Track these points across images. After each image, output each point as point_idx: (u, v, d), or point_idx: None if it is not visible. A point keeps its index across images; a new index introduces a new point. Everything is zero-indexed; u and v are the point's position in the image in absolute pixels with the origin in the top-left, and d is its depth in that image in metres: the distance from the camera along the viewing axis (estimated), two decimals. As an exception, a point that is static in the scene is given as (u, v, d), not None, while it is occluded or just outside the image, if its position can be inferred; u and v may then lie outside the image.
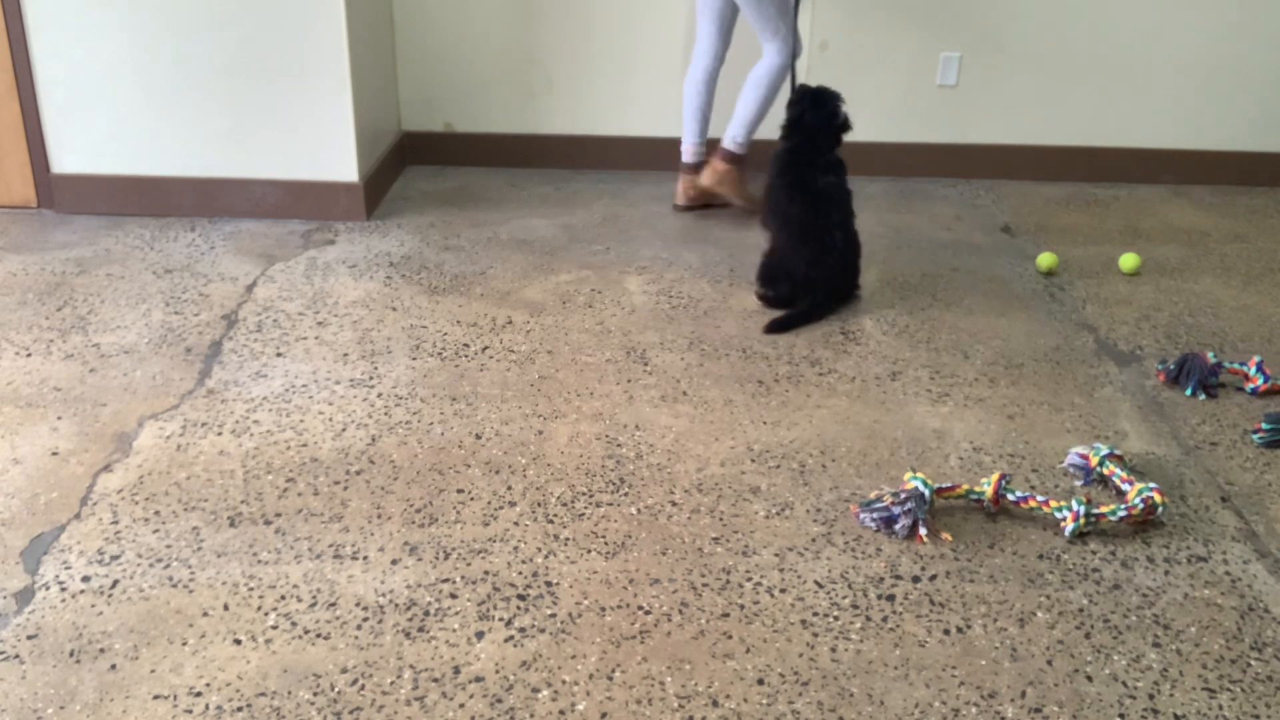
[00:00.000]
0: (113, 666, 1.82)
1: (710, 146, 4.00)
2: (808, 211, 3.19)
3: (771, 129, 3.45)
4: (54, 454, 2.42)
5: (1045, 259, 3.52)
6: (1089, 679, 1.84)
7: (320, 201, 3.83)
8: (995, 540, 2.19)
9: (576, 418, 2.60)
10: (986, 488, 2.25)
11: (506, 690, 1.79)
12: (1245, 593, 2.06)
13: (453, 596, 2.00)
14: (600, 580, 2.05)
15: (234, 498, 2.27)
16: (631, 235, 3.78)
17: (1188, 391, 2.78)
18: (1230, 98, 4.32)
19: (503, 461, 2.42)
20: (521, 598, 2.00)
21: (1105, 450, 2.38)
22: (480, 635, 1.91)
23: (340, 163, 3.79)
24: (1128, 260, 3.54)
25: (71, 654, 1.85)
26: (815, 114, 3.26)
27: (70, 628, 1.91)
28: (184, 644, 1.87)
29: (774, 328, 3.11)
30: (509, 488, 2.33)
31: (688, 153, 3.97)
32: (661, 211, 4.02)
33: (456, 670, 1.83)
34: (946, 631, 1.94)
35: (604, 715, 1.75)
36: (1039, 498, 2.24)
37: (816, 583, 2.06)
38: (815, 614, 1.98)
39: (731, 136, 3.86)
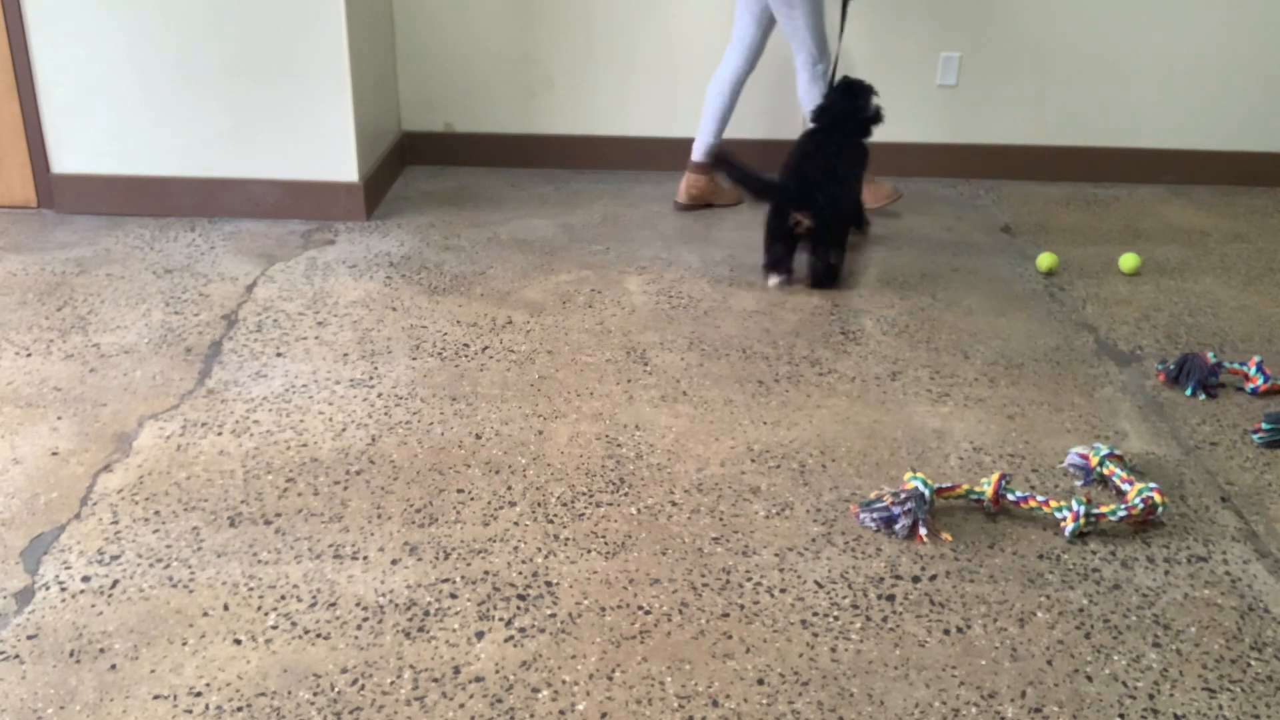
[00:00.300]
0: (113, 666, 1.82)
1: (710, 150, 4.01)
2: (794, 151, 3.41)
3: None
4: (54, 454, 2.42)
5: (1045, 259, 3.52)
6: (1089, 679, 1.84)
7: (320, 201, 3.83)
8: (995, 540, 2.19)
9: (576, 418, 2.60)
10: (986, 488, 2.25)
11: (506, 690, 1.79)
12: (1245, 593, 2.06)
13: (453, 596, 2.00)
14: (600, 580, 2.05)
15: (234, 498, 2.27)
16: (631, 235, 3.78)
17: (1188, 391, 2.78)
18: (1230, 98, 4.32)
19: (503, 461, 2.42)
20: (521, 598, 2.00)
21: (1105, 450, 2.38)
22: (480, 635, 1.91)
23: (340, 163, 3.79)
24: (1128, 260, 3.54)
25: (71, 654, 1.85)
26: (844, 104, 3.43)
27: (70, 628, 1.90)
28: (184, 644, 1.87)
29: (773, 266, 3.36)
30: (509, 488, 2.33)
31: (698, 152, 3.96)
32: (661, 211, 4.02)
33: (456, 670, 1.83)
34: (946, 631, 1.94)
35: (604, 715, 1.75)
36: (1039, 498, 2.24)
37: (816, 583, 2.06)
38: (815, 614, 1.98)
39: None
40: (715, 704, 1.77)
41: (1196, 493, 2.37)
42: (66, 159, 3.80)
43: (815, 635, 1.92)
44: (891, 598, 2.02)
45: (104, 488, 2.30)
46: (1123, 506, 2.20)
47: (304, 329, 3.03)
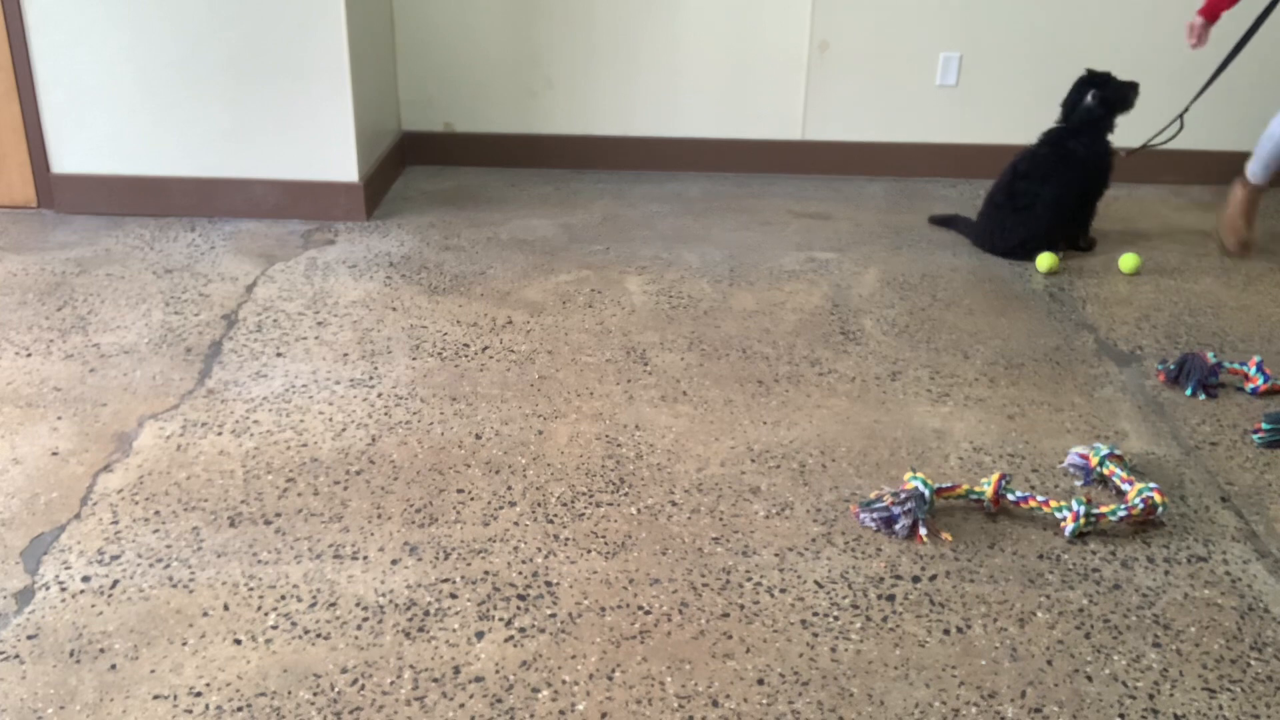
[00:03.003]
0: (113, 666, 1.82)
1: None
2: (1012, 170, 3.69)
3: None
4: (54, 454, 2.42)
5: (1045, 259, 3.52)
6: (1089, 679, 1.84)
7: (320, 201, 3.83)
8: (995, 540, 2.19)
9: (576, 418, 2.60)
10: (986, 488, 2.25)
11: (506, 690, 1.79)
12: (1245, 593, 2.06)
13: (453, 596, 2.00)
14: (600, 580, 2.05)
15: (234, 498, 2.27)
16: (631, 235, 3.78)
17: (1188, 391, 2.78)
18: (1230, 98, 4.32)
19: (503, 461, 2.42)
20: (521, 598, 2.00)
21: (1105, 450, 2.38)
22: (480, 635, 1.91)
23: (340, 163, 3.79)
24: (1128, 260, 3.54)
25: (71, 654, 1.85)
26: (1075, 100, 3.69)
27: (70, 628, 1.90)
28: (184, 644, 1.87)
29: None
30: (509, 488, 2.33)
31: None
32: (662, 211, 4.02)
33: (456, 670, 1.83)
34: (946, 631, 1.94)
35: (604, 715, 1.75)
36: (1039, 498, 2.24)
37: (816, 583, 2.06)
38: (815, 614, 1.98)
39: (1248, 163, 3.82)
40: (715, 704, 1.77)
41: (1196, 493, 2.37)
42: (66, 159, 3.80)
43: (815, 635, 1.92)
44: (891, 598, 2.02)
45: (104, 488, 2.30)
46: (1123, 506, 2.20)
47: (304, 329, 3.03)
